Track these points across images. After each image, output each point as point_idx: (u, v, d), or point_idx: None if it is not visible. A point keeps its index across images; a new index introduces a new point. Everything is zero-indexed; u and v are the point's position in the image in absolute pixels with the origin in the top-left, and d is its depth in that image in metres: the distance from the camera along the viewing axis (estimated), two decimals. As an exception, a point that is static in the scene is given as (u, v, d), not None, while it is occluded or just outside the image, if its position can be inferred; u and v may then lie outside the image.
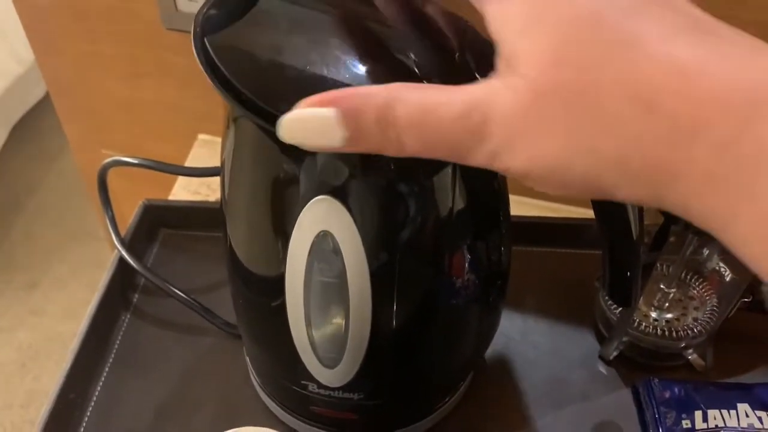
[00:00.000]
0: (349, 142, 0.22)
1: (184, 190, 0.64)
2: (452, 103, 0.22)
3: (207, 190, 0.61)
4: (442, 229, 0.34)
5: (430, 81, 0.30)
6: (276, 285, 0.36)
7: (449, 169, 0.32)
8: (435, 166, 0.32)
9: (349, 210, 0.32)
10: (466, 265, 0.37)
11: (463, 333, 0.41)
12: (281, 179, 0.33)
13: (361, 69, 0.30)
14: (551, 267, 0.56)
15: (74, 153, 0.83)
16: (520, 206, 0.64)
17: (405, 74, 0.30)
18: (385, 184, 0.32)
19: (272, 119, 0.29)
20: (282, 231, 0.34)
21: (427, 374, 0.42)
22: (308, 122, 0.23)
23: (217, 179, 0.38)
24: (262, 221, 0.35)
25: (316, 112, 0.23)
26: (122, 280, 0.54)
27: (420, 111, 0.22)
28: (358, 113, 0.22)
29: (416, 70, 0.31)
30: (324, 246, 0.33)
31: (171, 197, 0.64)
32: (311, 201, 0.32)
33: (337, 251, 0.33)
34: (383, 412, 0.43)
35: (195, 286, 0.53)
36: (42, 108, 1.85)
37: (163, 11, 0.58)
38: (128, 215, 0.57)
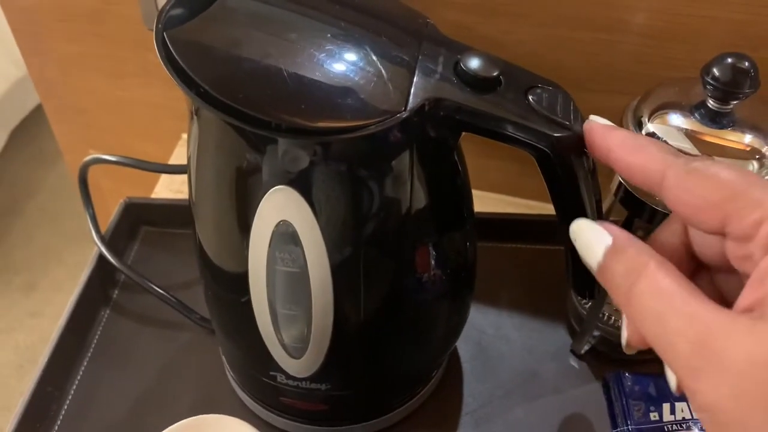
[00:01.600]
0: (599, 268, 0.26)
1: (166, 189, 0.65)
2: (685, 326, 0.22)
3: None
4: (401, 219, 0.35)
5: (385, 74, 0.31)
6: (241, 275, 0.36)
7: (406, 157, 0.33)
8: (391, 153, 0.33)
9: (307, 199, 0.32)
10: (429, 255, 0.38)
11: (429, 324, 0.42)
12: (241, 170, 0.33)
13: (318, 63, 0.31)
14: (525, 263, 0.56)
15: (64, 154, 0.84)
16: (494, 203, 0.64)
17: (361, 68, 0.31)
18: (342, 172, 0.32)
19: (229, 110, 0.29)
20: (244, 222, 0.34)
21: (395, 365, 0.43)
22: (589, 232, 0.28)
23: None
24: (225, 213, 0.36)
25: (598, 230, 0.27)
26: (102, 277, 0.55)
27: (657, 301, 0.23)
28: (617, 256, 0.25)
29: (374, 62, 0.31)
30: (284, 236, 0.34)
31: (153, 196, 0.65)
32: (270, 191, 0.32)
33: (296, 241, 0.34)
34: (353, 403, 0.44)
35: (173, 282, 0.54)
36: (41, 111, 1.85)
37: (144, 12, 0.59)
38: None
